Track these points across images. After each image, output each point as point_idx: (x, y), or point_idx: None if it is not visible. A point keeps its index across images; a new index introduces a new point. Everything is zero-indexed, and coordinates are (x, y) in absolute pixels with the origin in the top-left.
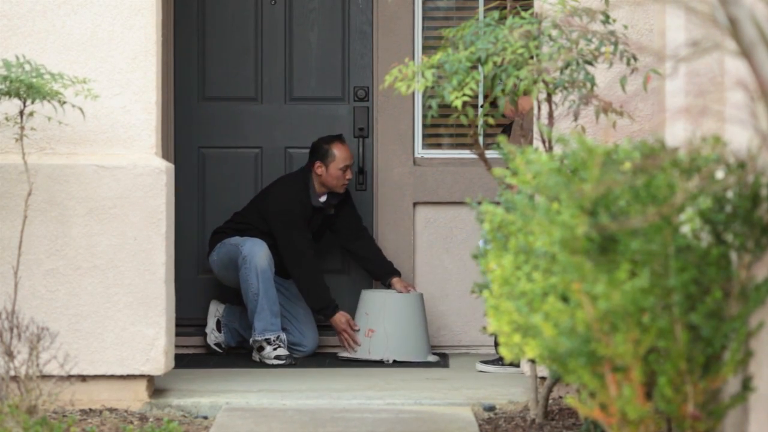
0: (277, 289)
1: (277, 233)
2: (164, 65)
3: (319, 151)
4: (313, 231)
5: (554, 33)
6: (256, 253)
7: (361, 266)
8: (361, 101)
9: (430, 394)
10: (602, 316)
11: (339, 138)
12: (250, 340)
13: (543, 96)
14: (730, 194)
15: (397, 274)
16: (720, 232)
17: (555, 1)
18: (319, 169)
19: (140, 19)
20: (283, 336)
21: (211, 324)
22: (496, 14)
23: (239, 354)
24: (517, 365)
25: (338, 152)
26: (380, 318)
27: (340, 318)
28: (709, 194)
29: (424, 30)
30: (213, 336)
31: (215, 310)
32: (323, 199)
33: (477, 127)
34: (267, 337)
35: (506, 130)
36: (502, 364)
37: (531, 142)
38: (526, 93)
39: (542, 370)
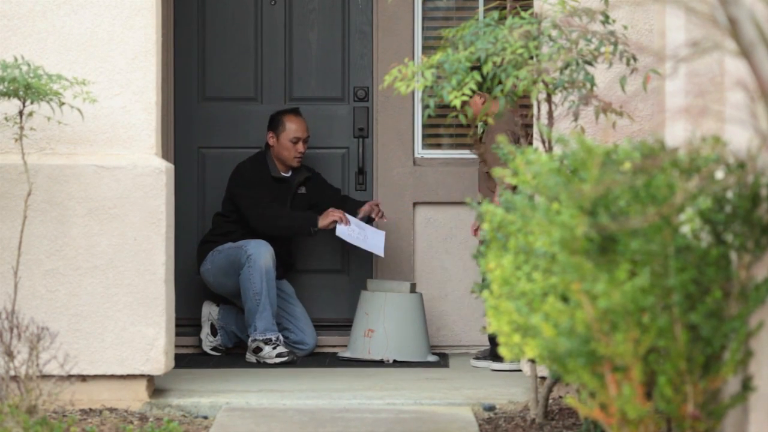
0: None
1: (236, 199)
2: (164, 65)
3: (272, 122)
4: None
5: (554, 33)
6: (262, 253)
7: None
8: (361, 101)
9: (430, 394)
10: (602, 316)
11: (294, 110)
12: (249, 340)
13: (543, 96)
14: (729, 194)
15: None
16: (720, 232)
17: (555, 1)
18: (271, 139)
19: (140, 19)
20: (281, 336)
21: (206, 329)
22: (495, 14)
23: (239, 354)
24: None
25: (290, 123)
26: (380, 318)
27: (325, 218)
28: (709, 194)
29: (424, 30)
30: (208, 341)
31: (208, 313)
32: (287, 174)
33: (476, 126)
34: (268, 337)
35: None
36: (500, 361)
37: (516, 142)
38: (528, 94)
39: (542, 370)
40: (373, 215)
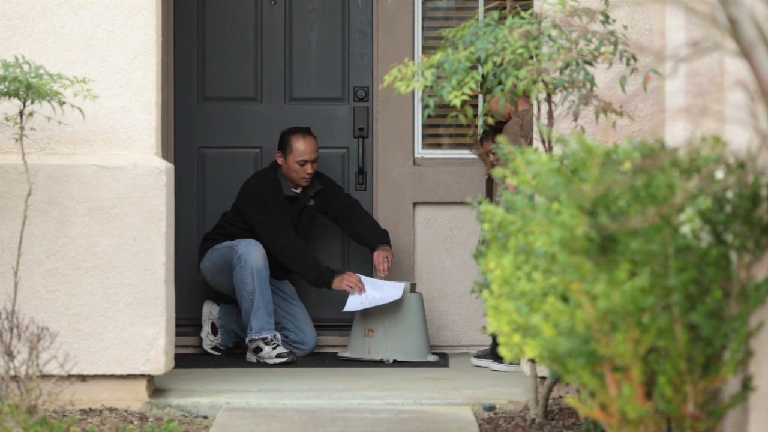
0: (272, 290)
1: (252, 222)
2: (164, 65)
3: (281, 141)
4: (293, 222)
5: (554, 33)
6: (252, 252)
7: (359, 242)
8: (361, 101)
9: (430, 394)
10: (602, 316)
11: (302, 131)
12: (246, 340)
13: (543, 96)
14: (730, 194)
15: (383, 242)
16: (720, 232)
17: (555, 1)
18: (279, 159)
19: (140, 19)
20: (278, 335)
21: (206, 328)
22: (495, 14)
23: (239, 354)
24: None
25: (297, 145)
26: (380, 318)
27: (339, 283)
28: (709, 194)
29: (424, 30)
30: (209, 340)
31: (209, 312)
32: (298, 190)
33: (476, 126)
34: (264, 336)
35: (498, 130)
36: (501, 361)
37: (530, 143)
38: (527, 94)
39: (542, 370)
40: (380, 274)
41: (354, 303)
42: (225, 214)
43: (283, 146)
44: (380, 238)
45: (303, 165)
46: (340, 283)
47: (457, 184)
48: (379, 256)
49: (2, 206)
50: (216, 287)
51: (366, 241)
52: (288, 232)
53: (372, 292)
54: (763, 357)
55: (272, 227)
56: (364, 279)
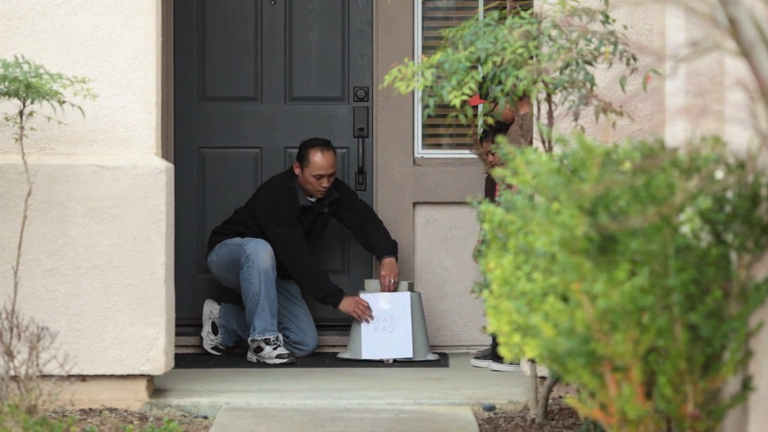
0: (276, 290)
1: (267, 232)
2: (164, 65)
3: (300, 152)
4: (305, 229)
5: (554, 33)
6: (260, 253)
7: (368, 250)
8: (360, 101)
9: (430, 394)
10: (602, 316)
11: (322, 144)
12: (249, 340)
13: (543, 96)
14: (729, 194)
15: (389, 254)
16: (720, 232)
17: (555, 1)
18: (296, 169)
19: (140, 19)
20: (281, 336)
21: (207, 328)
22: (495, 14)
23: (239, 354)
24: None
25: (314, 159)
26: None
27: (347, 304)
28: (709, 194)
29: (424, 30)
30: (209, 340)
31: (209, 312)
32: (313, 199)
33: (476, 126)
34: (267, 337)
35: (498, 130)
36: (500, 361)
37: (530, 143)
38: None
39: (542, 370)
40: (385, 289)
41: (369, 350)
42: (237, 211)
43: (301, 158)
44: (387, 249)
45: (319, 179)
46: (347, 306)
47: (457, 184)
48: (386, 279)
49: (2, 206)
50: (221, 281)
51: (373, 250)
52: (301, 247)
53: (381, 317)
54: (763, 357)
55: (286, 240)
56: (370, 296)
